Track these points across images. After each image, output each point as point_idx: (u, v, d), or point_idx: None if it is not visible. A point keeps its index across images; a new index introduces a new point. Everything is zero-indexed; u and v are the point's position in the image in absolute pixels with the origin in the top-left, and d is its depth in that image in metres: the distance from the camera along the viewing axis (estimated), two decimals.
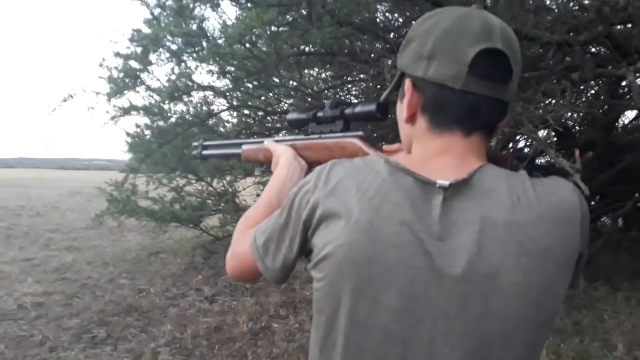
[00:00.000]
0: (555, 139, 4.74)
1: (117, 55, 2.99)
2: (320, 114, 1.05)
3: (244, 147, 1.21)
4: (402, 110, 0.76)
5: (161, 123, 3.67)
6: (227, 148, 1.32)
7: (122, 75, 3.06)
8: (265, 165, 1.17)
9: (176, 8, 2.49)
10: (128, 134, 4.34)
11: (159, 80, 3.37)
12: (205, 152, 1.35)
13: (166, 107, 3.83)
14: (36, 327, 3.41)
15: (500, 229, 0.62)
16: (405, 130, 0.78)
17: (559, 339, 3.01)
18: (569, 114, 4.51)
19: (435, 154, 0.71)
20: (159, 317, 3.73)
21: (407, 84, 0.73)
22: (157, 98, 3.43)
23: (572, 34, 2.76)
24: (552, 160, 2.12)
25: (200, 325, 3.50)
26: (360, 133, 0.98)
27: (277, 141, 1.12)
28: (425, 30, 0.70)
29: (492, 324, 0.63)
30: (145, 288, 4.43)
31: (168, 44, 2.84)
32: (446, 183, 0.65)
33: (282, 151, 1.07)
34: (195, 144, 1.37)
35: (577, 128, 5.34)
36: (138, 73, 3.09)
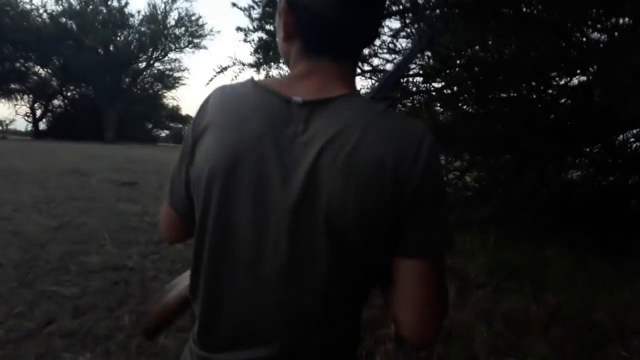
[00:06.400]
0: None
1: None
2: None
3: None
4: (279, 27, 0.75)
5: None
6: None
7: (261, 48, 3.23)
8: None
9: None
10: None
11: None
12: None
13: None
14: None
15: (336, 157, 0.62)
16: (282, 48, 0.77)
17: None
18: None
19: (302, 76, 0.71)
20: None
21: (283, 4, 0.72)
22: None
23: None
24: None
25: None
26: None
27: None
28: None
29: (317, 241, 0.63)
30: None
31: None
32: (300, 99, 0.66)
33: None
34: None
35: None
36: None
